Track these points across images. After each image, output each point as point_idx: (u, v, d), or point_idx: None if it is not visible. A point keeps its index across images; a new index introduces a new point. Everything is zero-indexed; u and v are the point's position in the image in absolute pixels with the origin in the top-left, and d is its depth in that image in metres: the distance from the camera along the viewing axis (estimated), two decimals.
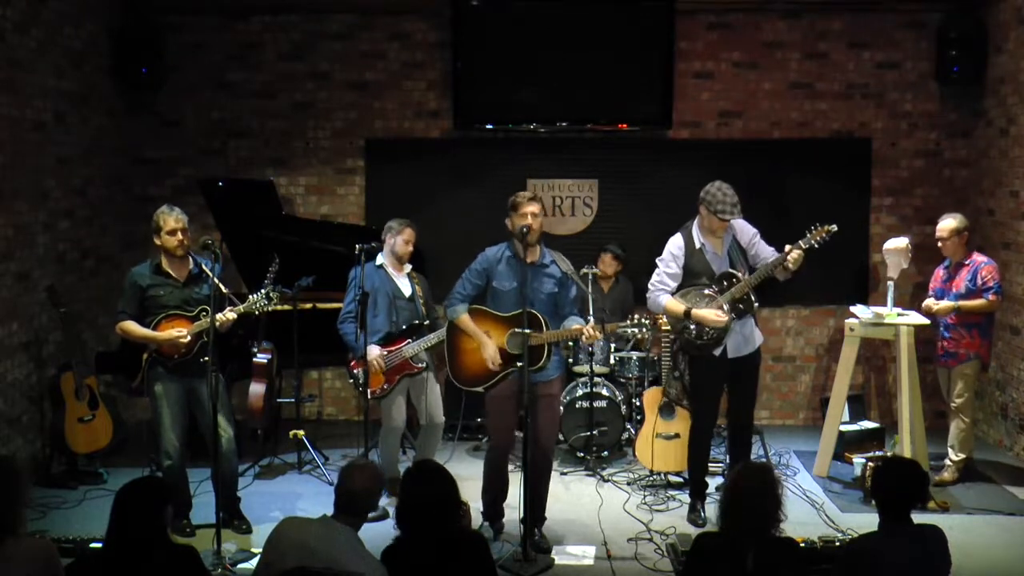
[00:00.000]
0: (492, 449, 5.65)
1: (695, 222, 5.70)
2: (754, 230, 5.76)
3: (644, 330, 5.32)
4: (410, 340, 6.13)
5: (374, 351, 6.03)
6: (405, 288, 6.25)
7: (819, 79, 8.17)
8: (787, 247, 5.49)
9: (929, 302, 6.51)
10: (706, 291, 5.59)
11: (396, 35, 8.19)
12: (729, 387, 5.95)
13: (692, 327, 5.60)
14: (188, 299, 5.54)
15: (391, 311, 6.17)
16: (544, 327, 5.23)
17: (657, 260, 5.77)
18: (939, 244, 6.53)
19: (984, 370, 6.70)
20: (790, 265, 5.47)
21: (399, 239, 6.19)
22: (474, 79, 7.95)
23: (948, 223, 6.46)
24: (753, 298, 5.62)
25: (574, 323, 5.34)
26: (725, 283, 5.58)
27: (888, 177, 8.23)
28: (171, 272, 5.54)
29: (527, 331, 5.11)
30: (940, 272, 6.63)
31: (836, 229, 5.50)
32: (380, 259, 6.23)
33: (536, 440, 5.31)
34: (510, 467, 5.71)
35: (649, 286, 5.76)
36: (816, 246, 5.51)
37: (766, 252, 5.70)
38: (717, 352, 5.65)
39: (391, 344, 6.14)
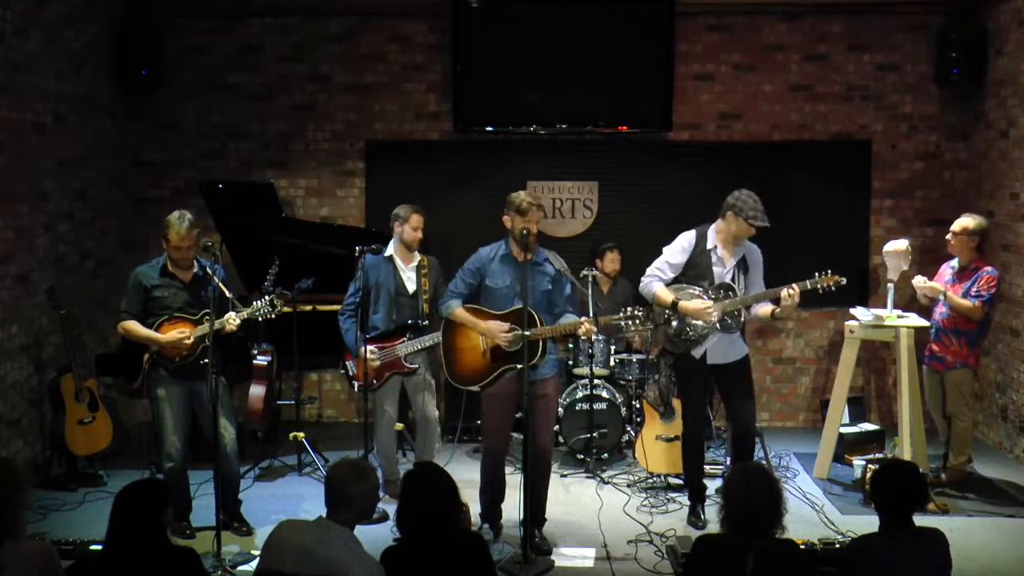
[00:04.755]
0: (487, 452, 5.65)
1: (712, 227, 5.71)
2: (760, 262, 5.77)
3: (637, 322, 5.27)
4: (405, 338, 6.12)
5: (364, 353, 6.01)
6: (410, 283, 6.18)
7: (819, 81, 8.17)
8: (793, 285, 5.43)
9: (919, 279, 6.47)
10: (696, 291, 5.61)
11: (396, 37, 8.19)
12: (723, 394, 5.97)
13: (674, 322, 5.62)
14: (192, 301, 5.54)
15: (391, 308, 6.15)
16: (539, 324, 5.24)
17: (664, 248, 5.78)
18: (947, 238, 6.49)
19: (974, 375, 6.65)
20: (787, 302, 5.41)
21: (407, 227, 6.11)
22: (474, 81, 7.95)
23: (963, 221, 6.39)
24: (742, 315, 5.64)
25: (570, 319, 5.34)
26: (722, 292, 5.60)
27: (888, 179, 8.23)
28: (176, 274, 5.54)
29: (526, 332, 5.11)
30: (946, 271, 6.56)
31: (845, 282, 5.48)
32: (389, 249, 6.19)
33: (533, 441, 5.31)
34: (509, 469, 5.70)
35: (647, 271, 5.77)
36: (820, 291, 5.50)
37: (759, 288, 5.72)
38: (696, 353, 5.66)
39: (386, 341, 6.12)
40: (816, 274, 5.47)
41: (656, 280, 5.70)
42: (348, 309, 6.16)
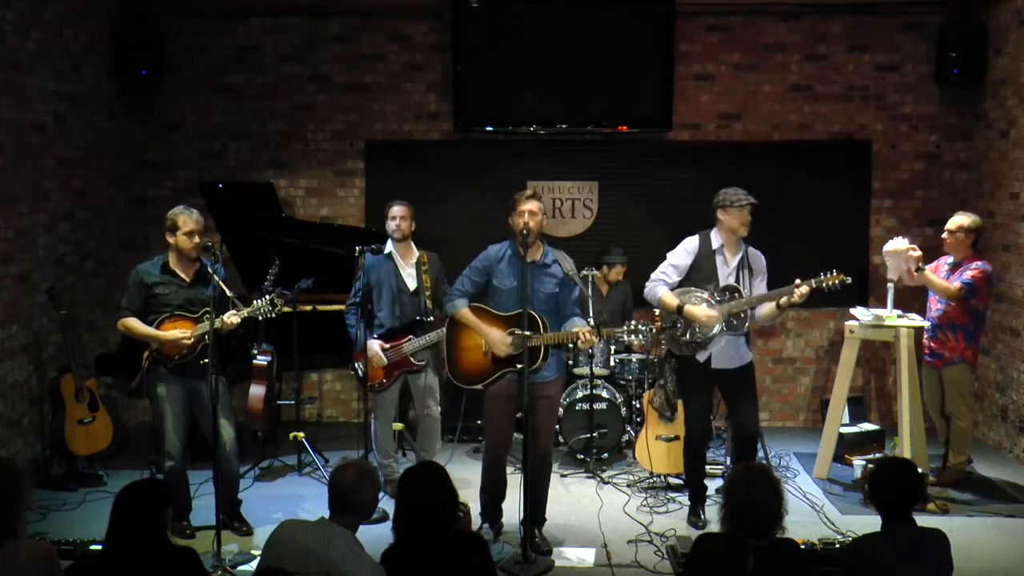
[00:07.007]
0: (488, 450, 5.65)
1: (714, 229, 5.73)
2: (765, 269, 5.80)
3: (641, 337, 5.28)
4: (411, 337, 6.13)
5: (374, 347, 6.05)
6: (411, 281, 6.21)
7: (819, 81, 8.17)
8: (797, 281, 5.48)
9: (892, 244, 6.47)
10: (703, 294, 5.61)
11: (396, 37, 8.19)
12: (726, 400, 5.96)
13: (680, 324, 5.62)
14: (192, 299, 5.53)
15: (395, 306, 6.17)
16: (543, 328, 5.22)
17: (668, 253, 5.80)
18: (944, 236, 6.49)
19: (972, 372, 6.64)
20: (795, 299, 5.47)
21: (388, 220, 6.19)
22: (474, 81, 7.95)
23: (959, 219, 6.41)
24: (747, 317, 5.65)
25: (575, 324, 5.32)
26: (728, 294, 5.61)
27: (888, 179, 8.23)
28: (178, 271, 5.53)
29: (526, 332, 5.11)
30: (943, 267, 6.56)
31: (850, 281, 5.53)
32: (388, 246, 6.23)
33: (534, 442, 5.31)
34: (509, 469, 5.71)
35: (651, 276, 5.78)
36: (825, 291, 5.53)
37: (763, 291, 5.73)
38: (701, 357, 5.66)
39: (393, 340, 6.14)
40: (821, 274, 5.51)
41: (661, 284, 5.70)
42: (351, 308, 6.19)
